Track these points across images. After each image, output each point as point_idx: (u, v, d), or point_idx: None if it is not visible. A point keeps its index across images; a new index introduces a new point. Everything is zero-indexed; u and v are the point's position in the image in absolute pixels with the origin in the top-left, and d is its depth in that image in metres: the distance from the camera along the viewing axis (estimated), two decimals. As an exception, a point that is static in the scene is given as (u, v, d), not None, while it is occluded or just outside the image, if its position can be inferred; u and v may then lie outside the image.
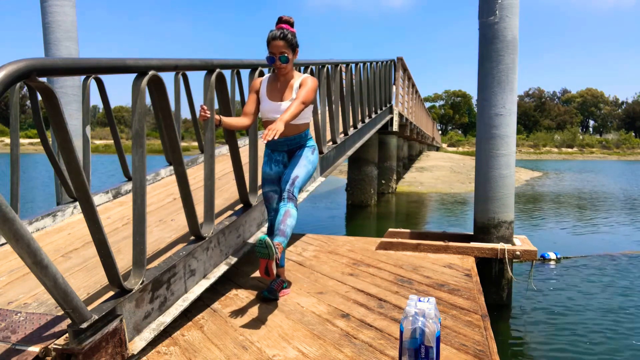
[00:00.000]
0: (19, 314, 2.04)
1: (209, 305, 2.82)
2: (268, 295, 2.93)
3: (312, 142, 2.95)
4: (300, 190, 2.79)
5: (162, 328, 2.24)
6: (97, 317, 1.85)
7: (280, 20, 2.77)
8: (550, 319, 4.50)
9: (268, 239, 2.34)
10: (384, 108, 9.20)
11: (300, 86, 2.77)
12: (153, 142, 28.68)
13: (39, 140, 3.48)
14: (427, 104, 67.15)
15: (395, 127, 10.69)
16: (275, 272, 2.38)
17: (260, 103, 2.87)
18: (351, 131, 6.32)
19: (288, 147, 2.88)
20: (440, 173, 19.76)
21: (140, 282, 2.13)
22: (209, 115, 2.72)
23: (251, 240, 3.28)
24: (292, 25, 2.78)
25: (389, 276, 3.46)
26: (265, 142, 2.38)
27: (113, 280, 2.01)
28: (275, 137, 2.39)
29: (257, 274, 3.45)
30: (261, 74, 3.41)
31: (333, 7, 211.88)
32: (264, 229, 3.44)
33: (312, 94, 2.72)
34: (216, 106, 2.94)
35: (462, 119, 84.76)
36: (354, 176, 11.94)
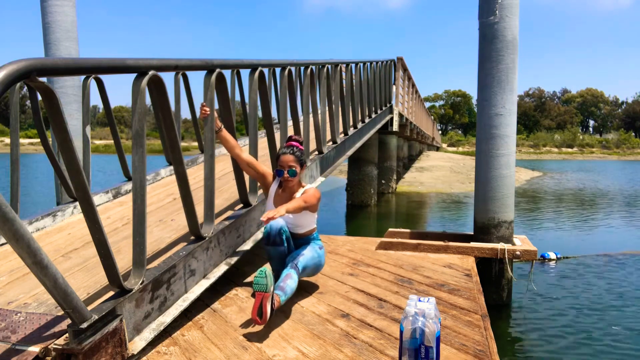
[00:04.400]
0: (19, 314, 2.04)
1: (209, 305, 2.82)
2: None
3: (320, 242, 3.00)
4: (304, 271, 2.79)
5: (162, 328, 2.24)
6: (97, 317, 1.85)
7: (290, 139, 3.01)
8: (550, 318, 4.50)
9: (269, 271, 2.33)
10: (384, 108, 9.20)
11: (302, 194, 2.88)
12: (153, 142, 28.66)
13: (39, 140, 3.48)
14: (427, 104, 67.16)
15: (395, 127, 10.69)
16: (268, 314, 2.31)
17: (266, 201, 3.04)
18: (351, 131, 6.32)
19: (295, 243, 2.93)
20: (440, 173, 19.76)
21: (140, 282, 2.13)
22: (209, 112, 2.73)
23: (251, 240, 3.28)
24: (301, 143, 3.02)
25: (389, 276, 3.46)
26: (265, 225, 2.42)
27: (113, 280, 2.01)
28: (274, 218, 2.43)
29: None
30: (261, 74, 3.41)
31: (332, 8, 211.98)
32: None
33: (313, 199, 2.81)
34: (216, 106, 2.94)
35: (462, 119, 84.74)
36: (354, 176, 11.94)
